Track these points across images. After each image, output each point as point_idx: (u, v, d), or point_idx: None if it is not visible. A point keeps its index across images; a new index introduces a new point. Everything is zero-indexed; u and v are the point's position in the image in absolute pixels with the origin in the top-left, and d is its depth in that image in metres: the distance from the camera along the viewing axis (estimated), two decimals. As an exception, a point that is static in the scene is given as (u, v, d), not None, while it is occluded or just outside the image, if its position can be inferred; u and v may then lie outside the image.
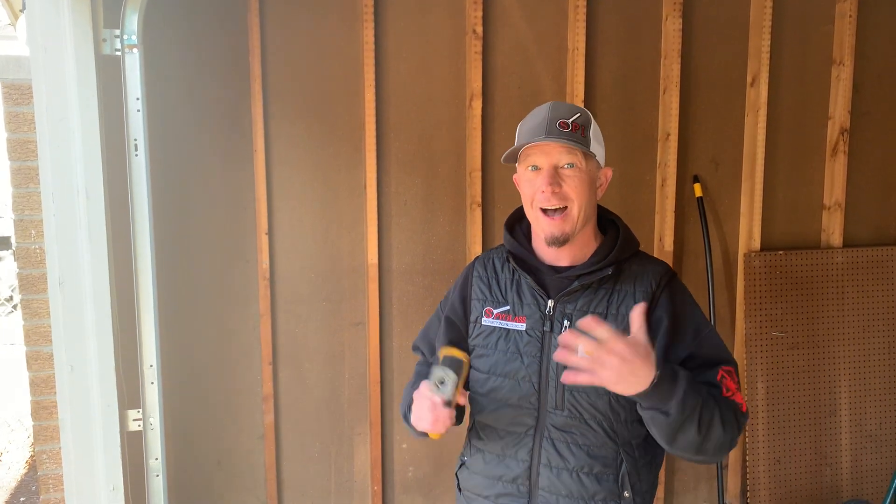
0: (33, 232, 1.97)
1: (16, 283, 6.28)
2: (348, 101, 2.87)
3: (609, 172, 1.54)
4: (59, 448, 2.00)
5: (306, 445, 3.04)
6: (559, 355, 1.23)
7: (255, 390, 2.98)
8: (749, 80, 3.17)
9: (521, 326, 1.47)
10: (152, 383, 2.07)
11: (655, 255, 3.17)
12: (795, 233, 3.32)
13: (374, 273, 2.96)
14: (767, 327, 3.21)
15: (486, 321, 1.51)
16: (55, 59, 1.88)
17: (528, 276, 1.49)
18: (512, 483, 1.48)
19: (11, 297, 6.23)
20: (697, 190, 3.17)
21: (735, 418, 1.38)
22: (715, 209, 3.24)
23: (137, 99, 2.02)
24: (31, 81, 1.85)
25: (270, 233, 2.88)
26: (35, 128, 1.83)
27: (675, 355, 1.43)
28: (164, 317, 2.11)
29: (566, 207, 1.45)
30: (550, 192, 1.44)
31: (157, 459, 2.10)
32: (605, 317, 1.43)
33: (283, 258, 2.94)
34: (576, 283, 1.45)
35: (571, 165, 1.45)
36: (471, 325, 1.55)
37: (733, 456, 3.37)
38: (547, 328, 1.46)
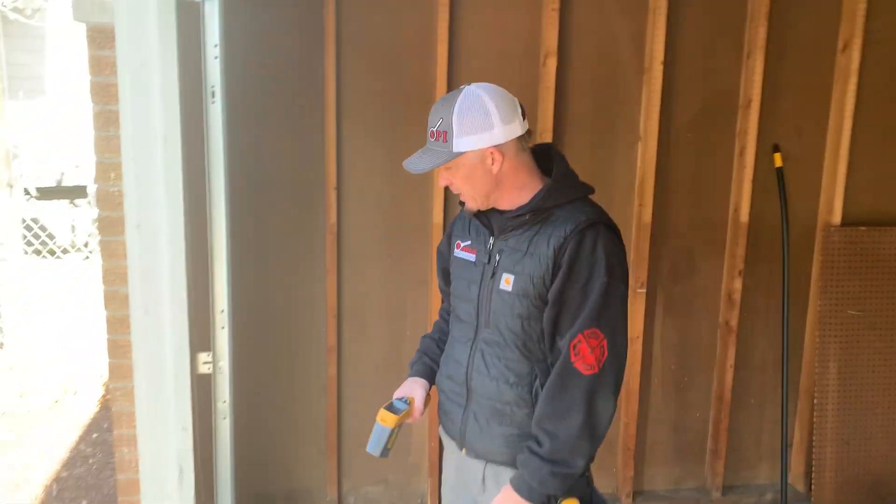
0: (113, 175, 2.02)
1: (92, 229, 6.53)
2: (420, 55, 2.84)
3: (495, 153, 1.63)
4: (133, 386, 2.06)
5: (367, 398, 3.06)
6: None
7: (319, 342, 3.03)
8: (840, 45, 3.01)
9: (473, 258, 1.76)
10: (223, 328, 2.11)
11: (729, 226, 3.09)
12: (880, 208, 3.16)
13: (438, 233, 2.94)
14: (844, 305, 3.09)
15: (456, 252, 1.82)
16: (137, 3, 1.90)
17: (475, 219, 1.76)
18: (457, 383, 1.78)
19: (87, 244, 6.45)
20: (777, 160, 3.05)
21: (581, 398, 1.58)
22: (795, 181, 3.10)
23: (215, 46, 2.03)
24: (114, 25, 1.87)
25: (339, 188, 2.89)
26: (117, 71, 1.87)
27: (564, 298, 1.61)
28: (234, 264, 2.14)
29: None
30: (447, 187, 1.74)
31: (225, 402, 2.15)
32: (524, 254, 1.65)
33: (351, 214, 2.95)
34: (508, 224, 1.69)
35: (449, 168, 1.67)
36: (451, 257, 1.86)
37: (798, 435, 3.29)
38: (485, 260, 1.72)
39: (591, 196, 1.74)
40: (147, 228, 1.99)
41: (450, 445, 1.91)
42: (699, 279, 3.17)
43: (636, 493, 3.27)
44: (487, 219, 1.75)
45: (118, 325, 2.06)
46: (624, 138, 2.99)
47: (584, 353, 1.58)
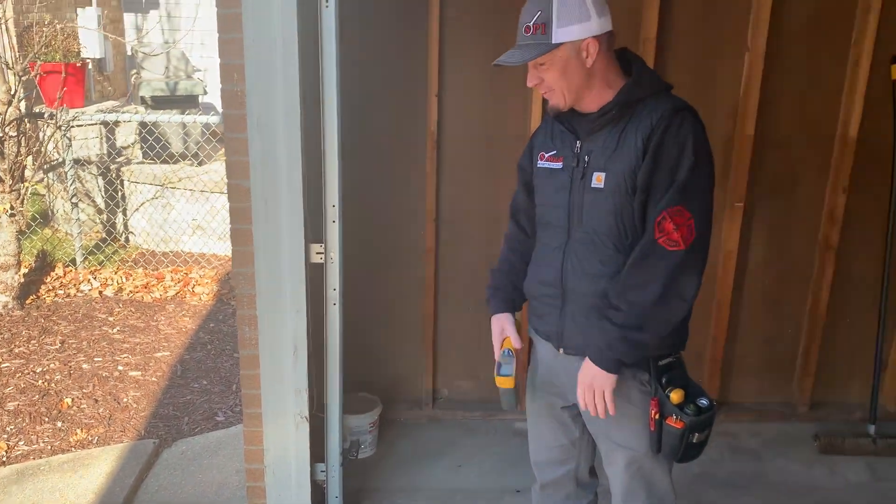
0: (235, 76, 2.16)
1: (201, 140, 6.86)
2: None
3: (592, 44, 1.65)
4: (254, 271, 2.26)
5: (462, 299, 3.23)
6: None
7: (417, 244, 3.18)
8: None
9: (560, 165, 1.78)
10: (334, 221, 2.27)
11: (837, 141, 3.01)
12: None
13: (537, 140, 3.00)
14: (955, 226, 2.98)
15: (539, 164, 1.85)
16: None
17: (560, 124, 1.79)
18: (550, 285, 1.83)
19: (198, 154, 6.79)
20: (894, 72, 2.92)
21: (662, 272, 1.62)
22: (912, 94, 2.97)
23: (329, -48, 2.12)
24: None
25: (440, 94, 2.98)
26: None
27: (651, 182, 1.64)
28: (342, 166, 2.28)
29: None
30: (535, 87, 1.75)
31: (335, 290, 2.33)
32: (614, 150, 1.68)
33: (451, 121, 3.04)
34: (596, 124, 1.71)
35: (542, 63, 1.69)
36: (533, 169, 1.89)
37: (894, 356, 3.25)
38: (574, 164, 1.75)
39: (689, 106, 1.71)
40: (267, 126, 2.16)
41: (542, 346, 1.96)
42: (800, 194, 3.12)
43: (721, 404, 3.34)
44: (570, 124, 1.77)
45: (240, 216, 2.24)
46: (730, 47, 2.93)
47: (668, 231, 1.61)
